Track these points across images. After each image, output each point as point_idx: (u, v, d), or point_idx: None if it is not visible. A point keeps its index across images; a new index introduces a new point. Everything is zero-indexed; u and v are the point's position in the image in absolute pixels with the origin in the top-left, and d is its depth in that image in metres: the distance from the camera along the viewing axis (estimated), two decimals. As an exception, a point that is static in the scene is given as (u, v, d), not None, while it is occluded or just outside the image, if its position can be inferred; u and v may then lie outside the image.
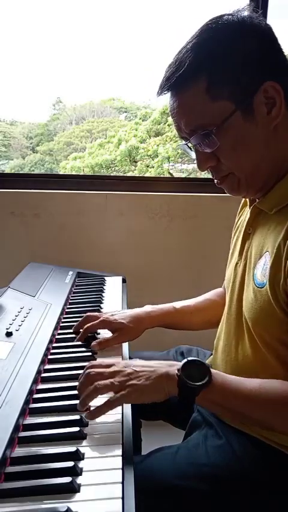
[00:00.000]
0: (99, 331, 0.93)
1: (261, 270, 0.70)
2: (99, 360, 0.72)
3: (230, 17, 0.68)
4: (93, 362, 0.71)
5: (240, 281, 0.79)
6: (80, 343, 0.90)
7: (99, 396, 0.66)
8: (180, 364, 0.67)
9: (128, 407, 0.69)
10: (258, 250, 0.73)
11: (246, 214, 0.86)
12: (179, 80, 0.68)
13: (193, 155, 0.75)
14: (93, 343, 0.87)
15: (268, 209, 0.73)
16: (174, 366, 0.67)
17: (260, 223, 0.76)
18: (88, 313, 0.95)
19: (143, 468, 0.75)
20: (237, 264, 0.82)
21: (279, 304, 0.67)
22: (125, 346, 0.91)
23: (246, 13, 0.69)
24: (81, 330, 0.91)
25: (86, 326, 0.90)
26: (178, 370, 0.66)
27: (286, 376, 0.69)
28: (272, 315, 0.69)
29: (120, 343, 0.90)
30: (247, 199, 0.84)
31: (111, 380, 0.65)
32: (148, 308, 0.98)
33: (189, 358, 0.67)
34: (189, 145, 0.75)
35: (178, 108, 0.71)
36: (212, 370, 0.66)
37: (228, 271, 0.87)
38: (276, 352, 0.71)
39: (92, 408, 0.65)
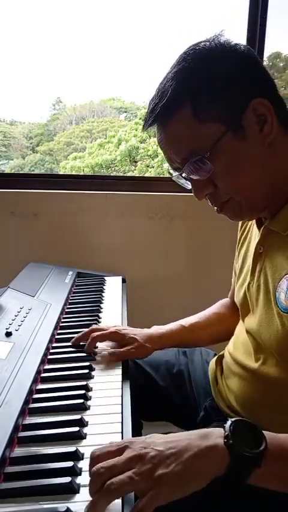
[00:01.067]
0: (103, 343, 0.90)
1: (285, 294, 0.66)
2: (105, 446, 0.53)
3: (207, 43, 0.67)
4: (97, 451, 0.52)
5: (256, 303, 0.76)
6: (80, 343, 0.90)
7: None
8: (224, 429, 0.52)
9: (127, 407, 0.69)
10: (277, 272, 0.69)
11: (250, 230, 0.84)
12: (163, 109, 0.66)
13: (188, 185, 0.73)
14: (104, 353, 0.85)
15: (281, 230, 0.69)
16: (211, 435, 0.52)
17: (273, 243, 0.72)
18: (93, 326, 0.92)
19: None
20: (249, 284, 0.78)
21: None
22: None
23: (223, 38, 0.68)
24: (81, 342, 0.89)
25: (95, 334, 0.87)
26: (226, 437, 0.51)
27: None
28: None
29: (131, 358, 0.88)
30: None
31: (129, 474, 0.48)
32: (158, 329, 0.95)
33: (235, 419, 0.53)
34: (183, 175, 0.72)
35: (166, 139, 0.69)
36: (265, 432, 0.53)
37: (240, 290, 0.83)
38: None
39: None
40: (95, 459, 0.51)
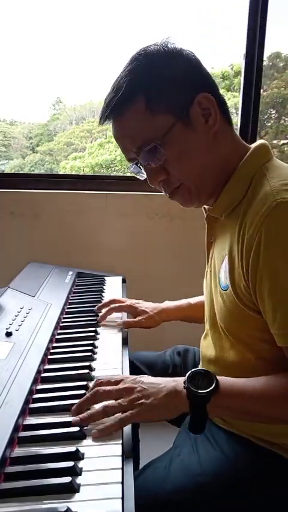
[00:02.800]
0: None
1: (224, 273, 0.74)
2: (108, 377, 0.72)
3: (156, 46, 0.74)
4: (101, 379, 0.71)
5: (210, 288, 0.83)
6: (81, 342, 0.90)
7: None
8: (185, 377, 0.68)
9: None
10: (220, 255, 0.77)
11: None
12: (118, 103, 0.72)
13: (143, 175, 0.79)
14: (119, 322, 1.00)
15: (219, 215, 0.77)
16: (179, 381, 0.69)
17: (217, 230, 0.81)
18: (114, 298, 1.08)
19: (137, 485, 0.73)
20: (206, 272, 0.86)
21: (243, 302, 0.70)
22: (125, 349, 0.91)
23: (170, 44, 0.74)
24: (103, 310, 1.04)
25: (112, 306, 1.03)
26: (184, 382, 0.67)
27: (266, 369, 0.70)
28: (240, 315, 0.72)
29: (141, 327, 1.02)
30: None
31: (120, 401, 0.66)
32: (166, 303, 1.10)
33: (194, 369, 0.68)
34: (139, 164, 0.78)
35: (122, 130, 0.75)
36: (218, 376, 0.68)
37: (204, 281, 0.91)
38: (252, 348, 0.74)
39: (99, 427, 0.63)
40: (98, 384, 0.70)
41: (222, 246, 0.76)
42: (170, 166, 0.74)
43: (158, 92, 0.71)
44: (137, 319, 1.03)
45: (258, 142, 0.77)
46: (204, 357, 0.87)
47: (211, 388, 0.65)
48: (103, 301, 1.09)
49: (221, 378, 0.68)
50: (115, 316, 1.05)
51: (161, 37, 0.75)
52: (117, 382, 0.69)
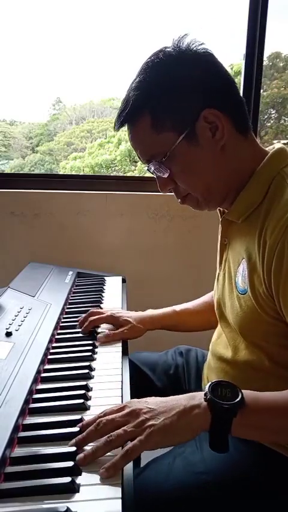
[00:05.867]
0: (102, 325, 0.98)
1: (241, 277, 0.73)
2: (111, 407, 0.63)
3: (168, 50, 0.73)
4: (104, 410, 0.62)
5: (223, 290, 0.82)
6: (80, 342, 0.90)
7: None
8: (204, 390, 0.61)
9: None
10: (236, 258, 0.76)
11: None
12: (126, 117, 0.75)
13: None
14: (100, 335, 0.92)
15: (236, 219, 0.76)
16: (196, 397, 0.61)
17: (233, 232, 0.80)
18: (92, 310, 1.00)
19: (140, 481, 0.73)
20: (219, 275, 0.86)
21: (262, 308, 0.70)
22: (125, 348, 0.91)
23: (186, 41, 0.73)
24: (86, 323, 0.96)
25: (92, 319, 0.95)
26: (205, 394, 0.59)
27: (279, 372, 0.70)
28: (257, 319, 0.71)
29: (124, 339, 0.94)
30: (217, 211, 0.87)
31: (125, 427, 0.57)
32: (151, 312, 1.04)
33: (215, 380, 0.62)
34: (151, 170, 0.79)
35: (132, 140, 0.77)
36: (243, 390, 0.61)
37: (215, 283, 0.90)
38: (267, 351, 0.73)
39: (106, 464, 0.54)
40: (101, 416, 0.61)
41: (238, 249, 0.76)
42: (176, 179, 0.76)
43: (163, 110, 0.71)
44: (119, 330, 0.94)
45: (276, 146, 0.76)
46: (215, 355, 0.86)
47: (238, 399, 0.58)
48: (100, 309, 1.03)
49: (246, 391, 0.60)
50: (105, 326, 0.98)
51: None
52: (121, 409, 0.61)
